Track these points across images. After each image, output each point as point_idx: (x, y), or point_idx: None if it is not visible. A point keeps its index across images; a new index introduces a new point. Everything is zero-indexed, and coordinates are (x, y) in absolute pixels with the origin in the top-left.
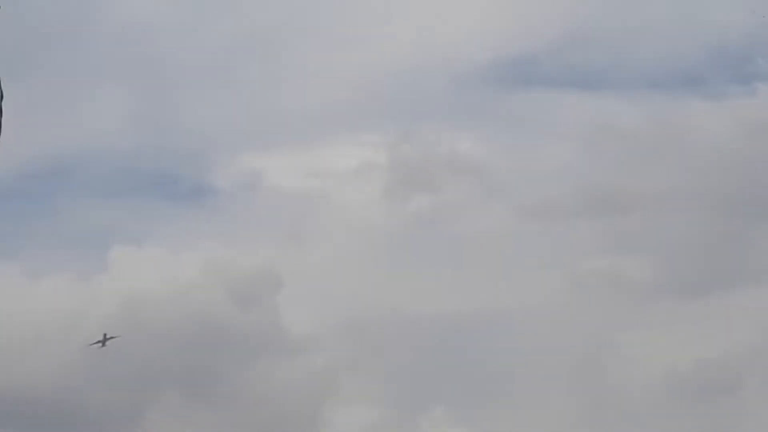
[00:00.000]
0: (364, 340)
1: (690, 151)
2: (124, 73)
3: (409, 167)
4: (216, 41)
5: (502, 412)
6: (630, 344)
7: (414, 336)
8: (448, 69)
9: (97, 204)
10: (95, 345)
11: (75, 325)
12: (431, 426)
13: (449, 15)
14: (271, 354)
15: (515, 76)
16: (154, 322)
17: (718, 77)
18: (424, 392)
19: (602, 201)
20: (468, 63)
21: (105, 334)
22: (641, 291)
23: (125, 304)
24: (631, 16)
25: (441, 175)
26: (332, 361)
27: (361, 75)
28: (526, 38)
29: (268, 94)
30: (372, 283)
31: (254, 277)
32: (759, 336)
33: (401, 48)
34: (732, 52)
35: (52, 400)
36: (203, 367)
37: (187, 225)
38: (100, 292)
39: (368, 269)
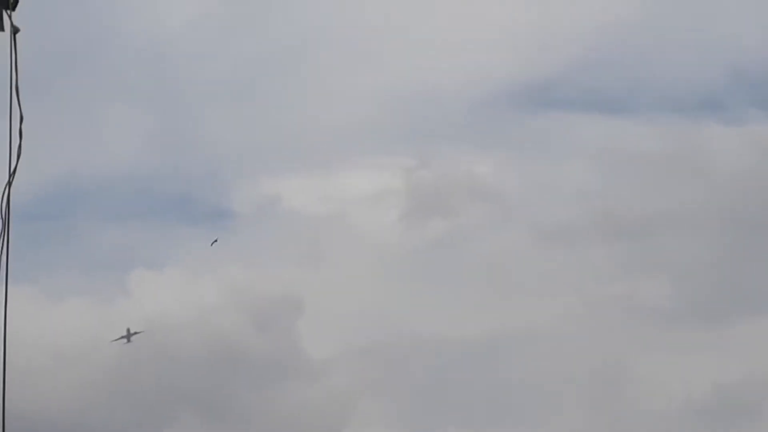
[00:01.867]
0: (382, 363)
1: (708, 175)
2: (142, 96)
3: (426, 192)
4: (235, 63)
5: None
6: (647, 369)
7: (432, 358)
8: (467, 92)
9: (116, 227)
10: (119, 341)
11: (94, 348)
12: None
13: (469, 38)
14: (290, 377)
15: (533, 100)
16: (173, 346)
17: (736, 101)
18: (441, 414)
19: (619, 225)
20: (487, 86)
21: (128, 329)
22: (658, 315)
23: (144, 328)
24: (650, 39)
25: (458, 200)
26: (350, 384)
27: (381, 97)
28: (544, 61)
29: (287, 117)
30: (390, 307)
31: (273, 300)
32: None
33: (421, 70)
34: (751, 76)
35: (71, 422)
36: (221, 390)
37: (206, 248)
38: (119, 315)
39: (386, 292)
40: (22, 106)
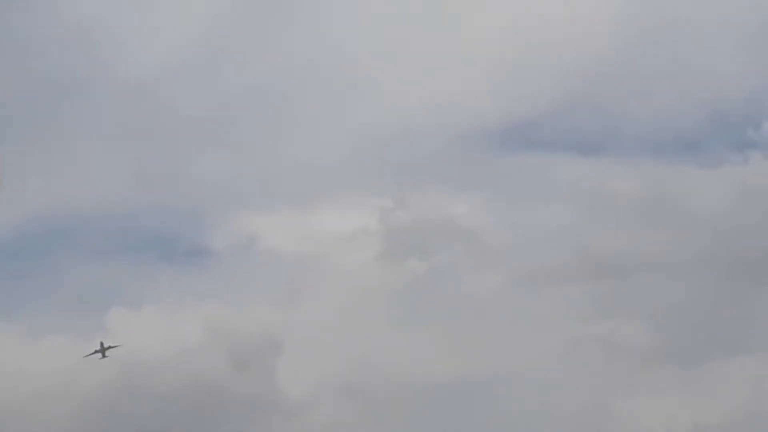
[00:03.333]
0: (360, 403)
1: (685, 217)
2: (124, 133)
3: (402, 232)
4: (215, 103)
5: None
6: (627, 408)
7: (410, 399)
8: (446, 132)
9: (96, 264)
10: (93, 356)
11: (74, 385)
12: None
13: (450, 78)
14: (268, 415)
15: (512, 139)
16: (152, 383)
17: (715, 143)
18: None
19: (599, 266)
20: (466, 126)
21: (102, 343)
22: (638, 356)
23: (124, 367)
24: (631, 82)
25: (435, 240)
26: (328, 423)
27: (361, 136)
28: (524, 101)
29: (265, 155)
30: (367, 347)
31: (251, 339)
32: (757, 402)
33: (402, 109)
34: (729, 119)
35: None
36: (200, 428)
37: (185, 286)
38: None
39: (363, 333)
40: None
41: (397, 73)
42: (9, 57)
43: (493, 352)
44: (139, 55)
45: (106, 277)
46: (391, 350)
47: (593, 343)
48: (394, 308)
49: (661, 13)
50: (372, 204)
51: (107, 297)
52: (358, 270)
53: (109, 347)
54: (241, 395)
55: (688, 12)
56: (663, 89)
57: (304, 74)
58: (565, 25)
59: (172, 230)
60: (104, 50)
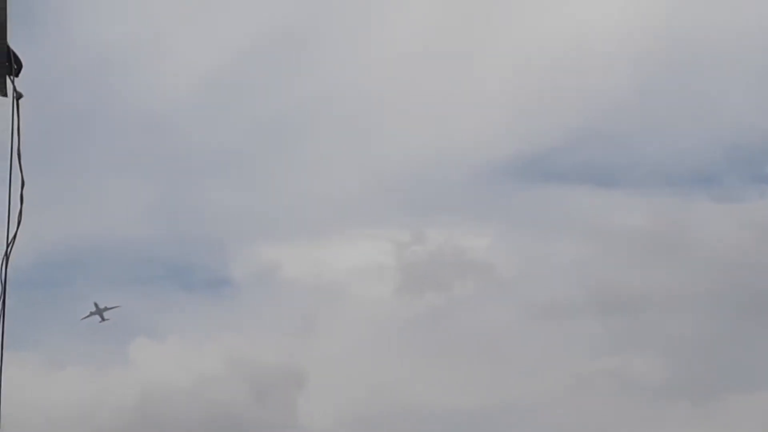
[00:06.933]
0: None
1: (700, 251)
2: (143, 163)
3: (419, 266)
4: (234, 133)
5: None
6: None
7: (426, 430)
8: (463, 165)
9: (116, 294)
10: (90, 318)
11: (93, 416)
12: None
13: (464, 113)
14: None
15: (528, 172)
16: (171, 414)
17: (731, 177)
18: None
19: (612, 300)
20: (482, 160)
21: (96, 304)
22: (650, 392)
23: (144, 398)
24: (646, 116)
25: (451, 274)
26: None
27: (379, 169)
28: (539, 134)
29: (284, 187)
30: (384, 379)
31: (272, 370)
32: None
33: (418, 144)
34: (745, 154)
35: None
36: None
37: (205, 316)
38: (118, 384)
39: (381, 365)
40: (23, 172)
41: (412, 108)
42: (26, 89)
43: (507, 386)
44: (156, 87)
45: (126, 307)
46: (408, 382)
47: (605, 378)
48: (410, 341)
49: (677, 48)
50: (389, 237)
51: (127, 327)
52: (375, 302)
53: (106, 308)
54: (261, 426)
55: (705, 46)
56: (678, 123)
57: (322, 108)
58: (579, 59)
59: (191, 261)
60: (122, 82)
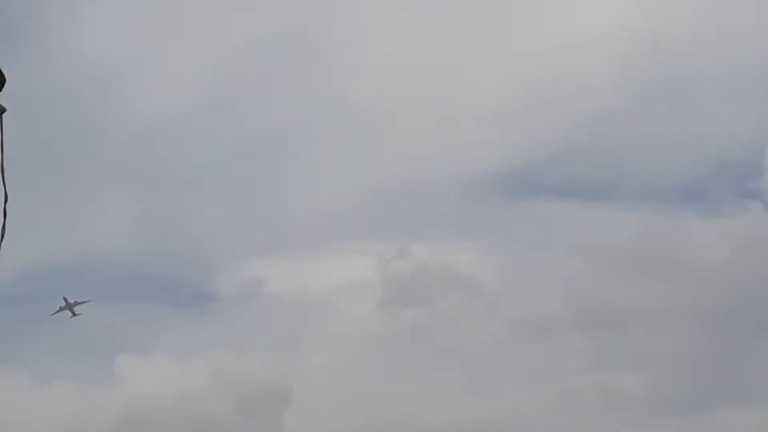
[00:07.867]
0: None
1: (688, 267)
2: (130, 179)
3: (403, 281)
4: (221, 150)
5: None
6: None
7: None
8: (450, 180)
9: (102, 310)
10: (60, 313)
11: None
12: None
13: (451, 128)
14: None
15: (515, 187)
16: (158, 430)
17: (717, 193)
18: None
19: (597, 316)
20: (469, 174)
21: (65, 298)
22: (636, 407)
23: (130, 413)
24: (635, 131)
25: (435, 289)
26: None
27: (365, 184)
28: (529, 150)
29: (271, 203)
30: (369, 394)
31: (259, 385)
32: None
33: (405, 159)
34: (733, 170)
35: None
36: None
37: (192, 331)
38: (105, 400)
39: (366, 380)
40: (6, 186)
41: (399, 123)
42: (15, 105)
43: (493, 400)
44: (145, 103)
45: (112, 322)
46: (393, 397)
47: (593, 393)
48: (395, 356)
49: (666, 64)
50: (374, 251)
51: (114, 343)
52: (360, 317)
53: (76, 302)
54: None
55: (693, 63)
56: (667, 138)
57: (308, 124)
58: (568, 75)
59: (176, 276)
60: (110, 98)
